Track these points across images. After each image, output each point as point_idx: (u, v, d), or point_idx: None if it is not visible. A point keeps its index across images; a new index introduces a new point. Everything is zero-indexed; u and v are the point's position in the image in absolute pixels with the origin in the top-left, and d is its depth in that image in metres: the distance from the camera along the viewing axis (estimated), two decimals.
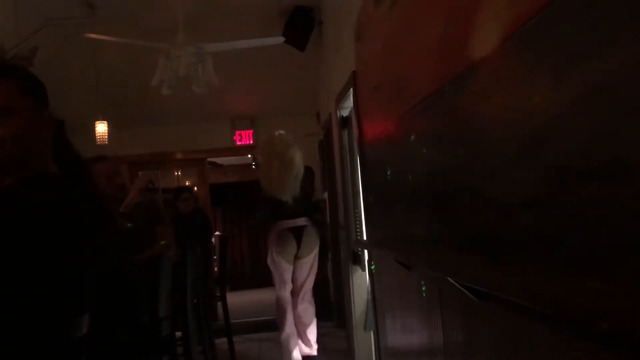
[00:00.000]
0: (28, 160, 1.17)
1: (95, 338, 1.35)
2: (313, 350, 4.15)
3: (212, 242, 5.45)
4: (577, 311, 0.83)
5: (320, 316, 5.91)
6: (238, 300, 8.22)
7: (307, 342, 4.19)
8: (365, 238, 3.24)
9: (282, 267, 4.03)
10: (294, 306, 4.13)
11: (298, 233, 4.00)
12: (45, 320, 1.05)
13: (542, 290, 0.93)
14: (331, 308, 5.90)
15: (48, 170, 1.21)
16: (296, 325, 4.15)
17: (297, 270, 4.08)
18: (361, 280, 3.87)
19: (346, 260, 4.16)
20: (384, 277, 2.64)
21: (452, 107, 1.42)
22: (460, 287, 1.35)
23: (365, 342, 3.94)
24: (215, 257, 5.17)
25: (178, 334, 3.18)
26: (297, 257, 4.06)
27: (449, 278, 1.43)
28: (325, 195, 5.68)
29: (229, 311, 4.80)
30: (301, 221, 4.01)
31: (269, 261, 4.12)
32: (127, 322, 1.77)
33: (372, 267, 2.90)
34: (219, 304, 5.06)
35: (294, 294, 4.14)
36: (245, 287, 9.56)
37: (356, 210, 3.67)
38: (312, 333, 4.17)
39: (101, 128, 5.10)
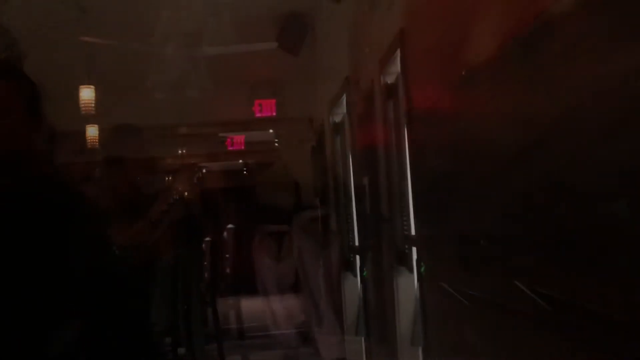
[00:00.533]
0: (18, 161, 1.33)
1: (93, 343, 1.43)
2: None
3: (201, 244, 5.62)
4: None
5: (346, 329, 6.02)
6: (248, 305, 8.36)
7: None
8: (414, 234, 3.27)
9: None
10: None
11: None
12: (32, 322, 1.13)
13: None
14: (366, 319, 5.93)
15: (39, 171, 1.37)
16: None
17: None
18: (407, 284, 3.90)
19: (389, 260, 4.19)
20: (436, 281, 2.67)
21: (523, 72, 1.43)
22: (530, 294, 1.38)
23: (412, 357, 3.98)
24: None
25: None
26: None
27: (517, 282, 1.46)
28: (366, 180, 5.68)
29: (219, 317, 5.18)
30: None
31: None
32: (123, 326, 1.86)
33: (422, 269, 2.94)
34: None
35: None
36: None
37: (403, 200, 3.69)
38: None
39: (87, 94, 5.14)
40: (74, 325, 1.24)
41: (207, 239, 7.68)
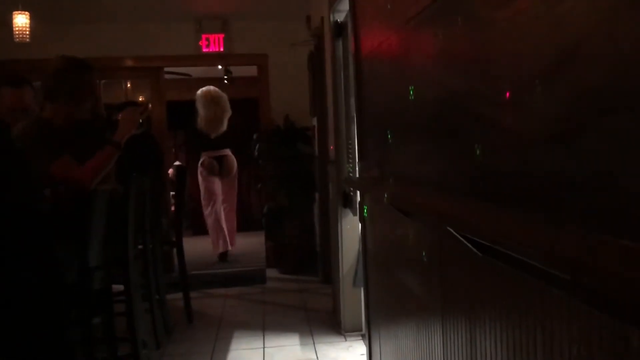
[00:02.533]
0: None
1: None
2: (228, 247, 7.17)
3: (164, 174, 5.47)
4: (595, 276, 0.86)
5: (303, 269, 6.09)
6: (200, 247, 8.35)
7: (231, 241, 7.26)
8: (357, 176, 3.27)
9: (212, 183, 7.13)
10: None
11: (220, 160, 7.12)
12: None
13: (559, 249, 0.96)
14: (316, 260, 6.03)
15: None
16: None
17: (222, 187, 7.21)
18: (352, 227, 3.95)
19: (335, 202, 4.22)
20: (377, 224, 2.70)
21: (468, 10, 1.41)
22: (461, 239, 1.39)
23: (353, 300, 4.06)
24: (172, 193, 5.19)
25: (119, 287, 3.25)
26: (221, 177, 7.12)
27: (449, 228, 1.47)
28: (314, 121, 5.68)
29: (185, 261, 4.86)
30: (225, 151, 7.14)
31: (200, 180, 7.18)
32: (41, 272, 1.80)
33: (365, 212, 2.95)
34: (174, 251, 5.11)
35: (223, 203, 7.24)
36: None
37: (350, 142, 3.70)
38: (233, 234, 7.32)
39: (21, 20, 4.92)
40: None
41: (176, 163, 7.53)
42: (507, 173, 1.24)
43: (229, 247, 7.23)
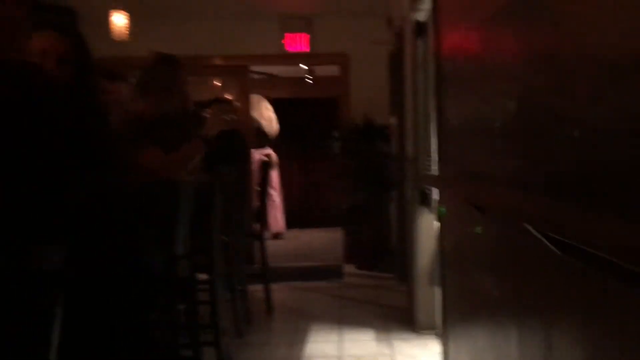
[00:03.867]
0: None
1: (87, 277, 1.42)
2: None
3: (250, 169, 5.56)
4: None
5: (380, 266, 6.08)
6: (283, 241, 8.48)
7: None
8: (436, 174, 3.24)
9: None
10: None
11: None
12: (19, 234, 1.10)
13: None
14: (392, 257, 6.00)
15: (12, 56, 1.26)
16: None
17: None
18: (428, 225, 3.90)
19: (412, 200, 4.19)
20: (454, 222, 2.66)
21: (549, 4, 1.37)
22: (540, 237, 1.35)
23: (428, 298, 4.02)
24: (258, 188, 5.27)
25: (203, 276, 3.33)
26: None
27: (527, 225, 1.43)
28: (393, 120, 5.66)
29: (267, 254, 4.94)
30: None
31: None
32: (128, 258, 1.86)
33: (442, 210, 2.92)
34: (257, 244, 5.19)
35: None
36: (294, 227, 9.79)
37: (428, 141, 3.66)
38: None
39: (119, 20, 5.10)
40: (64, 243, 1.22)
41: (261, 157, 7.81)
42: (588, 171, 1.20)
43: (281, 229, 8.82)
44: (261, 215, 4.93)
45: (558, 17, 1.34)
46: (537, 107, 1.47)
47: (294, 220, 10.08)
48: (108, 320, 1.81)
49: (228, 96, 8.22)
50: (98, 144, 2.04)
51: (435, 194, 3.41)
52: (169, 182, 2.78)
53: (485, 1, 1.94)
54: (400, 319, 4.47)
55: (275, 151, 8.77)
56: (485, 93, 1.96)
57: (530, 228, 1.42)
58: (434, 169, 3.33)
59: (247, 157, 5.56)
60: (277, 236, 8.67)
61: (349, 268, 6.37)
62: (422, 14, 3.68)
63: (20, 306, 1.12)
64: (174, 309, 2.74)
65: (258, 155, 7.53)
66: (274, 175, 8.59)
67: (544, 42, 1.43)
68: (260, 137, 8.25)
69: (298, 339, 4.16)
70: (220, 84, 8.24)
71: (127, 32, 5.09)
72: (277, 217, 8.77)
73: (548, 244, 1.34)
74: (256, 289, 4.92)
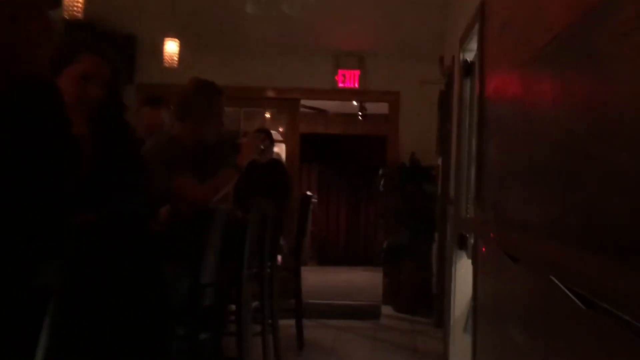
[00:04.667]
0: (12, 58, 1.21)
1: (104, 299, 1.39)
2: None
3: (289, 201, 5.52)
4: None
5: (418, 309, 5.92)
6: (322, 277, 8.38)
7: None
8: (472, 217, 3.14)
9: None
10: None
11: None
12: None
13: None
14: (431, 301, 5.85)
15: (37, 75, 1.25)
16: None
17: None
18: (466, 270, 3.78)
19: (451, 243, 4.07)
20: (488, 268, 2.55)
21: (587, 49, 1.30)
22: (564, 289, 1.26)
23: (463, 346, 3.87)
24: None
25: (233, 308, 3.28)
26: None
27: (552, 277, 1.34)
28: (439, 161, 5.57)
29: (301, 288, 4.86)
30: None
31: None
32: (146, 288, 1.83)
33: (477, 255, 2.81)
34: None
35: None
36: (334, 264, 9.71)
37: (469, 183, 3.56)
38: None
39: (171, 47, 5.17)
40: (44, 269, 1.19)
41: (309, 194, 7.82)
42: (620, 223, 1.11)
43: None
44: (298, 249, 4.88)
45: (600, 60, 1.27)
46: (575, 153, 1.38)
47: (335, 256, 10.01)
48: (126, 349, 1.78)
49: (280, 129, 8.29)
50: (128, 165, 2.04)
51: (472, 237, 3.30)
52: (200, 209, 2.76)
53: (526, 43, 1.87)
54: None
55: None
56: (523, 137, 1.88)
57: (555, 280, 1.33)
58: (473, 212, 3.23)
59: (287, 189, 5.53)
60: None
61: (387, 309, 6.22)
62: (471, 53, 3.62)
63: (5, 323, 1.09)
64: (196, 338, 2.69)
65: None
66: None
67: (585, 86, 1.36)
68: None
69: None
70: (269, 116, 8.29)
71: (177, 59, 5.17)
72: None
73: (573, 297, 1.25)
74: (289, 324, 4.83)
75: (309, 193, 7.48)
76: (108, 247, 1.58)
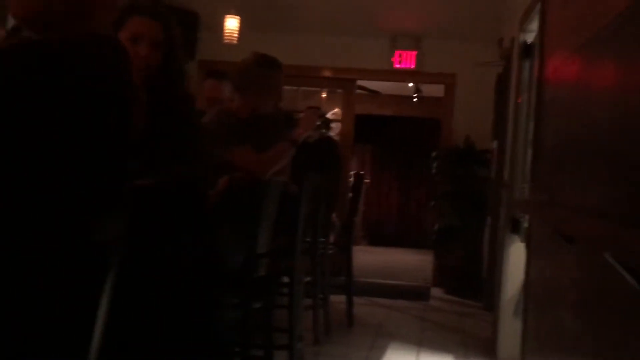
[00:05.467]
0: (77, 13, 1.22)
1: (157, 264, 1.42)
2: None
3: (340, 178, 5.54)
4: None
5: (468, 292, 5.89)
6: (372, 257, 8.42)
7: None
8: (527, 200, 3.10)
9: None
10: None
11: None
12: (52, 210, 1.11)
13: None
14: (481, 285, 5.81)
15: (97, 31, 1.25)
16: None
17: None
18: (518, 254, 3.74)
19: (504, 227, 4.03)
20: (541, 251, 2.53)
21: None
22: (619, 268, 1.25)
23: (512, 330, 3.85)
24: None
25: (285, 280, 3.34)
26: None
27: (608, 257, 1.33)
28: (495, 145, 5.50)
29: (352, 266, 4.90)
30: None
31: None
32: (199, 256, 1.87)
33: (530, 238, 2.79)
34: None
35: None
36: (385, 244, 9.73)
37: (524, 166, 3.52)
38: None
39: (232, 24, 5.22)
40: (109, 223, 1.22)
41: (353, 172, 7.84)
42: None
43: None
44: (350, 227, 4.91)
45: None
46: (635, 136, 1.36)
47: (386, 237, 10.02)
48: (177, 317, 1.81)
49: (336, 109, 8.30)
50: (185, 134, 2.08)
51: (526, 221, 3.26)
52: (256, 180, 2.80)
53: (588, 22, 1.83)
54: (483, 348, 4.29)
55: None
56: (582, 120, 1.86)
57: (609, 257, 1.32)
58: (528, 195, 3.20)
59: (339, 166, 5.54)
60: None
61: (437, 292, 6.22)
62: (531, 35, 3.56)
63: (67, 278, 1.13)
64: (248, 307, 2.75)
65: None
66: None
67: None
68: None
69: (374, 355, 4.09)
70: (325, 96, 8.31)
71: (237, 36, 5.23)
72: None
73: (628, 275, 1.23)
74: (339, 300, 4.88)
75: (362, 172, 7.48)
76: (165, 212, 1.61)
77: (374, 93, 9.32)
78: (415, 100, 9.33)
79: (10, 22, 1.40)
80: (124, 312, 1.41)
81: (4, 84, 1.08)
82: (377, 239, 9.88)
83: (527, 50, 3.66)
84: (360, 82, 7.70)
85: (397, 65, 6.68)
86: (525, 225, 3.27)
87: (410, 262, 8.20)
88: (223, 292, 2.45)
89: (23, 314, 1.10)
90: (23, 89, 1.09)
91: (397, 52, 6.66)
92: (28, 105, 1.08)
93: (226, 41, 5.22)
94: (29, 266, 1.10)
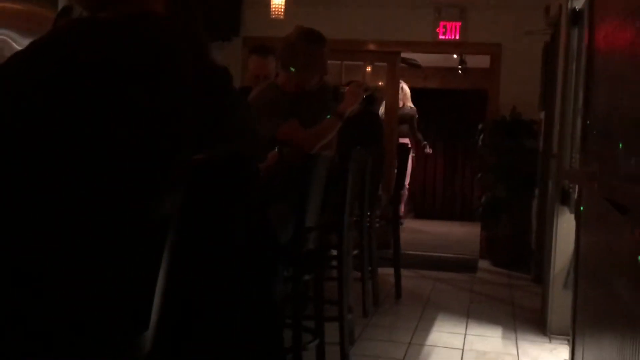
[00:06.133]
0: None
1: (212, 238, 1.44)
2: None
3: (385, 152, 5.53)
4: None
5: (516, 265, 5.85)
6: (418, 230, 8.40)
7: None
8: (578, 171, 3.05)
9: None
10: None
11: None
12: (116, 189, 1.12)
13: None
14: (530, 257, 5.75)
15: (152, 9, 1.25)
16: None
17: None
18: (568, 225, 3.69)
19: (553, 198, 3.98)
20: (592, 222, 2.50)
21: None
22: None
23: (562, 302, 3.81)
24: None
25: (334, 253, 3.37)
26: None
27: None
28: (542, 115, 5.40)
29: (400, 238, 4.91)
30: None
31: None
32: (253, 229, 1.89)
33: (581, 209, 2.75)
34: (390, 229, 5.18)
35: None
36: (431, 217, 9.69)
37: (574, 137, 3.46)
38: None
39: None
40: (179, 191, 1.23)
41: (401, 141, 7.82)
42: None
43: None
44: (397, 199, 4.91)
45: None
46: None
47: (432, 210, 9.98)
48: (231, 290, 1.84)
49: (380, 83, 8.25)
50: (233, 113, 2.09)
51: (576, 192, 3.21)
52: (304, 154, 2.82)
53: None
54: (532, 321, 4.27)
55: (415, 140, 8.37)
56: (634, 88, 1.81)
57: None
58: (578, 165, 3.14)
59: (381, 139, 5.52)
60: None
61: (484, 264, 6.19)
62: (580, 1, 3.47)
63: (124, 252, 1.15)
64: (299, 280, 2.79)
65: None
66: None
67: None
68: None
69: (423, 326, 4.11)
70: (369, 70, 8.24)
71: (283, 11, 5.23)
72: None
73: None
74: (387, 273, 4.90)
75: (408, 145, 7.41)
76: (219, 187, 1.62)
77: (416, 66, 9.21)
78: (460, 72, 9.20)
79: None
80: (180, 289, 1.44)
81: (86, 61, 1.09)
82: (423, 212, 9.85)
83: (575, 17, 3.56)
84: (403, 55, 7.62)
85: (442, 37, 6.59)
86: (575, 196, 3.22)
87: (457, 235, 8.16)
88: (277, 264, 2.49)
89: (83, 291, 1.13)
90: (93, 69, 1.10)
91: (441, 23, 6.56)
92: (94, 85, 1.10)
93: (273, 16, 5.22)
94: (88, 244, 1.13)
